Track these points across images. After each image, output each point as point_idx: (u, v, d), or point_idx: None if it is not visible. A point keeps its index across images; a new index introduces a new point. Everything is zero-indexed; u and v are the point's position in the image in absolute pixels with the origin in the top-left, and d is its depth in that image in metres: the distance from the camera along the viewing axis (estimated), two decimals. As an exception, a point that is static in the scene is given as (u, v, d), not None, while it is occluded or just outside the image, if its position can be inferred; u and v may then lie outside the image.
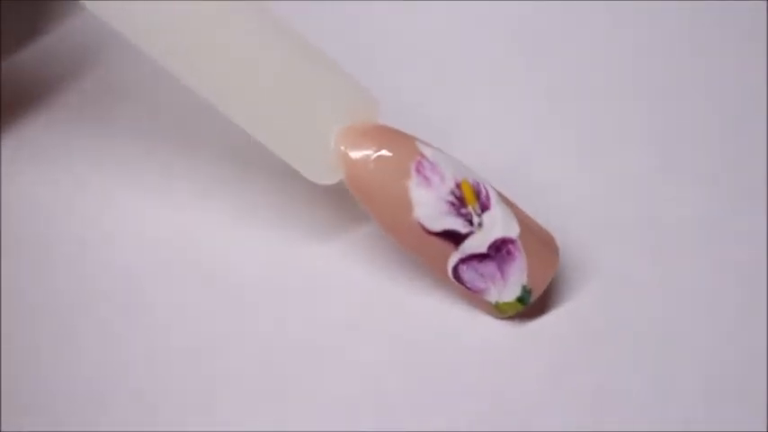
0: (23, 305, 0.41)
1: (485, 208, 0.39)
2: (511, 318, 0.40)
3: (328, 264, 0.42)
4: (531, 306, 0.40)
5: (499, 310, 0.40)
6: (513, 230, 0.39)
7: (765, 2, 0.48)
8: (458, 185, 0.39)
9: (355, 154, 0.39)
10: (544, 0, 0.49)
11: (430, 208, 0.39)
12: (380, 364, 0.40)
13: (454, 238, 0.39)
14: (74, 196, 0.44)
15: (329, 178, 0.40)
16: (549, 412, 0.39)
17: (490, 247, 0.39)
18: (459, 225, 0.39)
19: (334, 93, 0.40)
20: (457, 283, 0.39)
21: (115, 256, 0.42)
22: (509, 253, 0.39)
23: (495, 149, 0.45)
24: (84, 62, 0.48)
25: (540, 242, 0.40)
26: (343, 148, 0.39)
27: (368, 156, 0.39)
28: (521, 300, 0.39)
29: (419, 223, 0.39)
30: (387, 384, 0.39)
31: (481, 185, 0.39)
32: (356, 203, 0.41)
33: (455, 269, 0.39)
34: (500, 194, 0.40)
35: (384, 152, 0.39)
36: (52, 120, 0.46)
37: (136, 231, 0.43)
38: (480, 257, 0.39)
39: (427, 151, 0.39)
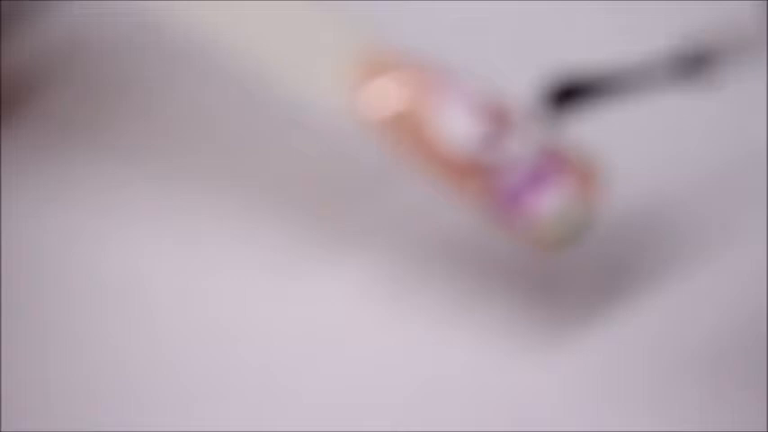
0: (23, 306, 0.41)
1: (516, 125, 0.36)
2: (561, 250, 0.37)
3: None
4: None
5: (548, 242, 0.36)
6: (550, 146, 0.36)
7: (765, 2, 0.48)
8: (484, 102, 0.36)
9: (370, 88, 0.37)
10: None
11: (456, 127, 0.36)
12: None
13: (492, 166, 0.36)
14: (73, 199, 0.44)
15: (345, 117, 0.37)
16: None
17: (528, 168, 0.36)
18: (496, 151, 0.36)
19: (340, 29, 0.37)
20: (499, 210, 0.36)
21: (113, 259, 0.43)
22: (550, 173, 0.36)
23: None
24: (81, 61, 0.48)
25: (582, 165, 0.37)
26: (354, 83, 0.37)
27: (383, 86, 0.37)
28: (567, 227, 0.36)
29: (447, 145, 0.36)
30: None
31: (507, 105, 0.37)
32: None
33: (494, 193, 0.36)
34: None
35: (399, 80, 0.36)
36: (51, 119, 0.46)
37: (132, 237, 0.43)
38: (519, 176, 0.36)
39: (445, 73, 0.37)
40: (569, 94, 0.36)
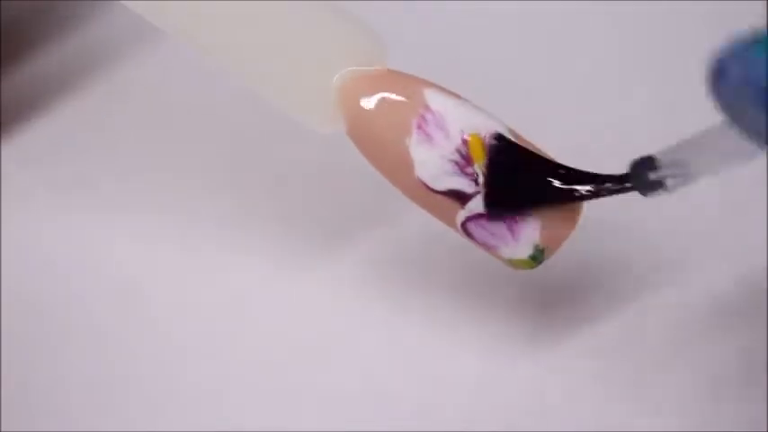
0: (23, 306, 0.41)
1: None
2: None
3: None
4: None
5: (513, 266, 0.37)
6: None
7: (765, 1, 0.48)
8: (464, 142, 0.36)
9: (355, 103, 0.36)
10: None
11: (431, 167, 0.36)
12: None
13: (459, 197, 0.36)
14: (73, 201, 0.44)
15: (328, 126, 0.37)
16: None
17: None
18: (463, 185, 0.36)
19: (336, 35, 0.37)
20: (468, 238, 0.37)
21: (115, 261, 0.43)
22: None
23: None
24: (85, 66, 0.48)
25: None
26: (343, 95, 0.36)
27: (368, 106, 0.36)
28: (534, 258, 0.36)
29: (421, 181, 0.36)
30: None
31: (489, 136, 0.36)
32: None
33: (464, 226, 0.36)
34: (521, 142, 0.36)
35: (385, 104, 0.36)
36: (52, 124, 0.46)
37: (131, 238, 0.43)
38: (488, 217, 0.36)
39: (434, 101, 0.36)
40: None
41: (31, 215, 0.44)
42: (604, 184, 0.36)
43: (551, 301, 0.41)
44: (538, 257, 0.37)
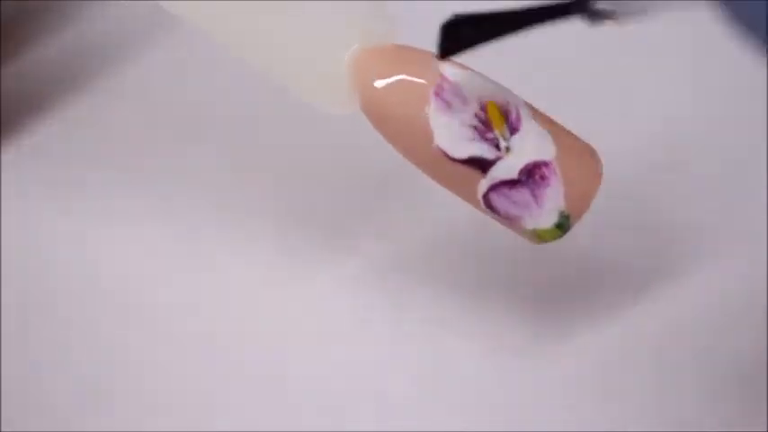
0: (23, 306, 0.41)
1: (514, 130, 0.36)
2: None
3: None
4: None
5: (539, 237, 0.37)
6: (547, 152, 0.36)
7: (765, 1, 0.48)
8: (482, 107, 0.36)
9: (370, 79, 0.36)
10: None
11: (451, 134, 0.36)
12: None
13: (481, 164, 0.36)
14: (74, 202, 0.44)
15: (344, 107, 0.37)
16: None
17: (521, 172, 0.36)
18: (484, 151, 0.36)
19: (345, 12, 0.37)
20: (490, 212, 0.36)
21: (115, 261, 0.43)
22: (543, 177, 0.36)
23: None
24: (85, 66, 0.48)
25: (579, 162, 0.36)
26: (356, 72, 0.36)
27: (383, 81, 0.36)
28: (559, 226, 0.36)
29: (441, 151, 0.36)
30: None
31: (511, 105, 0.36)
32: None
33: (486, 198, 0.36)
34: (536, 112, 0.36)
35: (401, 76, 0.36)
36: (52, 124, 0.46)
37: (133, 237, 0.43)
38: (511, 184, 0.36)
39: (449, 71, 0.36)
40: (463, 28, 0.35)
41: (31, 215, 0.44)
42: (554, 9, 0.34)
43: (551, 301, 0.41)
44: (564, 225, 0.36)
